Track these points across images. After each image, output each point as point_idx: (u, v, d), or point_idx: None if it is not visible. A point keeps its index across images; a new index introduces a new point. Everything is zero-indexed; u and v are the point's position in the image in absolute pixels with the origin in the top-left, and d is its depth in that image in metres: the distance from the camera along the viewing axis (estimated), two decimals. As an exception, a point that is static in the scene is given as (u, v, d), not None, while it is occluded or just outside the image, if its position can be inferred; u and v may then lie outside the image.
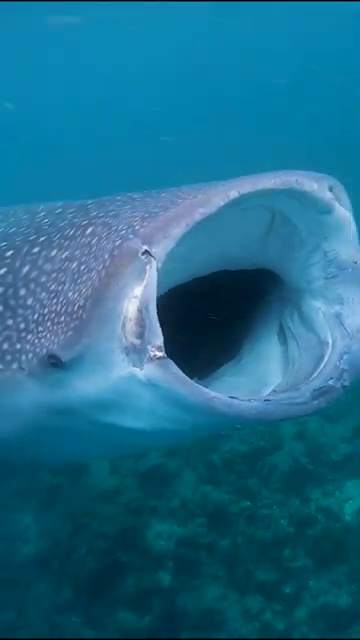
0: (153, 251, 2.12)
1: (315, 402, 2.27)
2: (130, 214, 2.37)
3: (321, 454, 6.49)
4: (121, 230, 2.29)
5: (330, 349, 2.45)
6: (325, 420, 6.92)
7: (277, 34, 21.27)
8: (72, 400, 2.35)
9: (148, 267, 2.12)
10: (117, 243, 2.23)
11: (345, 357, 2.40)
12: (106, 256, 2.23)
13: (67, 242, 2.51)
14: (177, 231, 2.12)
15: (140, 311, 2.13)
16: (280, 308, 2.75)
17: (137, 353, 2.14)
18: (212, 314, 3.06)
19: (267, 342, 2.77)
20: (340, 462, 6.49)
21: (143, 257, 2.13)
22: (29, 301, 2.45)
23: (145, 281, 2.13)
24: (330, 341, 2.47)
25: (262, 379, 2.63)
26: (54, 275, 2.44)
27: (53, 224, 2.73)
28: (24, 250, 2.62)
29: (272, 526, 5.71)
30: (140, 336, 2.13)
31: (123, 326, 2.15)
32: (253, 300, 2.90)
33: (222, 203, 2.16)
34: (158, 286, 2.14)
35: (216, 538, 5.68)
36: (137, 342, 2.13)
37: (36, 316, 2.40)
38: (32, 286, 2.48)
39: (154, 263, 2.12)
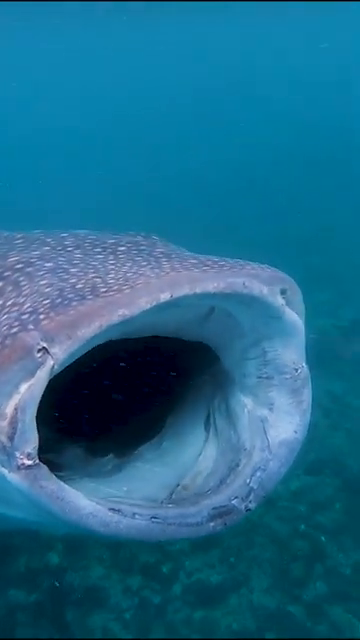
0: (52, 351, 1.81)
1: (211, 524, 2.02)
2: (44, 285, 2.03)
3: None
4: (24, 311, 1.94)
5: (245, 459, 2.19)
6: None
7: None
8: None
9: (41, 367, 1.82)
10: (14, 330, 1.89)
11: (258, 474, 2.14)
12: None
13: None
14: (86, 332, 1.81)
15: (16, 410, 1.84)
16: (212, 393, 2.44)
17: (6, 455, 1.88)
18: (137, 380, 2.79)
19: (192, 430, 2.46)
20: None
21: (38, 355, 1.82)
22: None
23: (32, 381, 1.83)
24: (248, 448, 2.21)
25: (180, 472, 2.34)
26: None
27: None
28: None
29: (155, 514, 6.27)
30: (11, 438, 1.85)
31: None
32: (186, 375, 2.58)
33: (149, 307, 1.84)
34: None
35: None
36: (7, 444, 1.87)
37: None
38: None
39: (48, 364, 1.82)
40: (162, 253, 2.19)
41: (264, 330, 2.15)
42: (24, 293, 2.03)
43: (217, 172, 18.25)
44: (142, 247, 2.27)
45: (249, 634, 5.27)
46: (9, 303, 2.02)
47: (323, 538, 5.98)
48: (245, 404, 2.27)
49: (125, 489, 2.23)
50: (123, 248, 2.24)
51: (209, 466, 2.29)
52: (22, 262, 2.23)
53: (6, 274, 2.18)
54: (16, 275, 2.14)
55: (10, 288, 2.09)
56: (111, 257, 2.16)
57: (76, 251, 2.27)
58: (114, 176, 17.86)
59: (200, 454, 2.35)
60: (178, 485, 2.27)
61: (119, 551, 5.94)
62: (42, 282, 2.05)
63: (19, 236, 2.62)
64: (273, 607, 5.48)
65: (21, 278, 2.12)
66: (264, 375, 2.23)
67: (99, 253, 2.22)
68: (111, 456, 2.54)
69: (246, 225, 14.15)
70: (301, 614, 5.40)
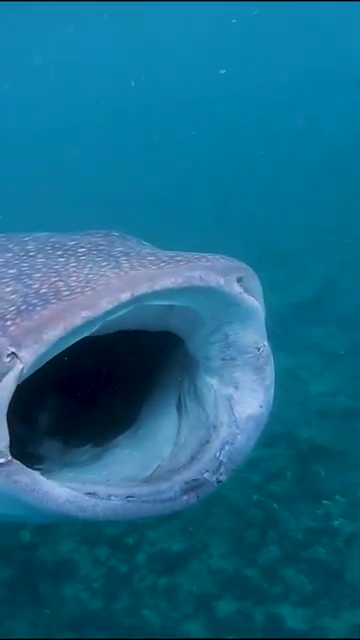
0: (20, 355, 1.87)
1: (184, 498, 2.10)
2: (9, 292, 2.10)
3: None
4: None
5: (214, 435, 2.26)
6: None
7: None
8: None
9: (10, 371, 1.88)
10: None
11: (227, 448, 2.22)
12: None
13: None
14: (52, 335, 1.87)
15: None
16: (180, 376, 2.50)
17: None
18: (110, 371, 2.85)
19: (165, 414, 2.51)
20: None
21: (7, 360, 1.88)
22: None
23: (2, 384, 1.89)
24: (216, 425, 2.28)
25: (158, 454, 2.39)
26: None
27: None
28: None
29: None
30: None
31: None
32: (157, 360, 2.64)
33: (110, 307, 1.90)
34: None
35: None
36: None
37: None
38: None
39: (17, 367, 1.87)
40: (121, 252, 2.27)
41: (224, 317, 2.21)
42: None
43: (179, 157, 18.48)
44: (101, 247, 2.34)
45: (210, 597, 5.74)
46: None
47: (276, 505, 6.47)
48: (211, 385, 2.34)
49: (105, 473, 2.31)
50: (83, 249, 2.32)
51: (182, 445, 2.36)
52: None
53: None
54: None
55: None
56: (72, 259, 2.23)
57: (38, 255, 2.34)
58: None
59: (175, 436, 2.42)
60: (158, 466, 2.33)
61: (87, 525, 6.33)
62: (7, 289, 2.13)
63: None
64: (231, 571, 5.96)
65: None
66: (227, 357, 2.30)
67: (61, 256, 2.30)
68: (89, 446, 2.63)
69: (208, 208, 14.55)
70: (257, 576, 5.89)
